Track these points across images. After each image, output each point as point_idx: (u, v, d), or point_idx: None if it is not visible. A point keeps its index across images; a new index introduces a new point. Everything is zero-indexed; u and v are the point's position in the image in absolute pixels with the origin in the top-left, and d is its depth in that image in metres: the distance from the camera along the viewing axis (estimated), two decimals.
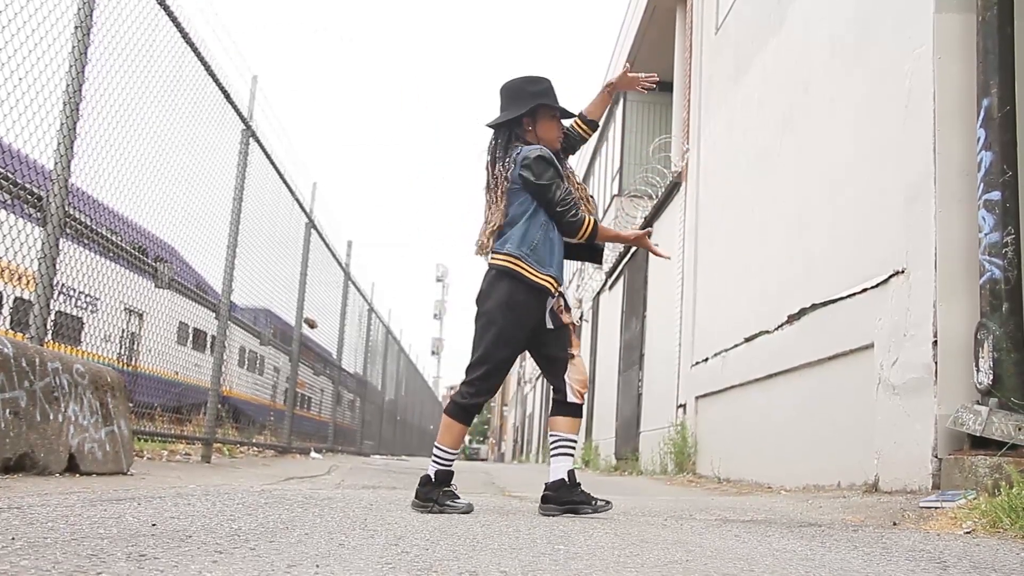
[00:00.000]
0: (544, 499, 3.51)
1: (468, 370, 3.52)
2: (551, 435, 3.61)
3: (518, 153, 3.54)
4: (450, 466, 3.50)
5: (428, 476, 3.46)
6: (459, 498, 3.46)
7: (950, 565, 2.25)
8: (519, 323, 3.47)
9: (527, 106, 3.62)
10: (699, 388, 9.15)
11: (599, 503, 3.49)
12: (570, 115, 3.79)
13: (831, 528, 3.37)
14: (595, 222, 3.51)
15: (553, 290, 3.49)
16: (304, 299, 10.65)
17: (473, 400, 3.48)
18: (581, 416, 3.64)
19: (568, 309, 3.64)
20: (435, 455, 3.50)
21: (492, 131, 3.71)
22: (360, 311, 16.07)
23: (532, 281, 3.44)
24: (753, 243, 7.74)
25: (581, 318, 19.94)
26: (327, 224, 11.77)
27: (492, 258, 3.54)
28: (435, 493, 3.41)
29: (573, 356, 3.60)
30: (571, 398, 3.59)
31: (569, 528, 2.85)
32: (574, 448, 3.60)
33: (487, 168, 3.66)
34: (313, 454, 11.25)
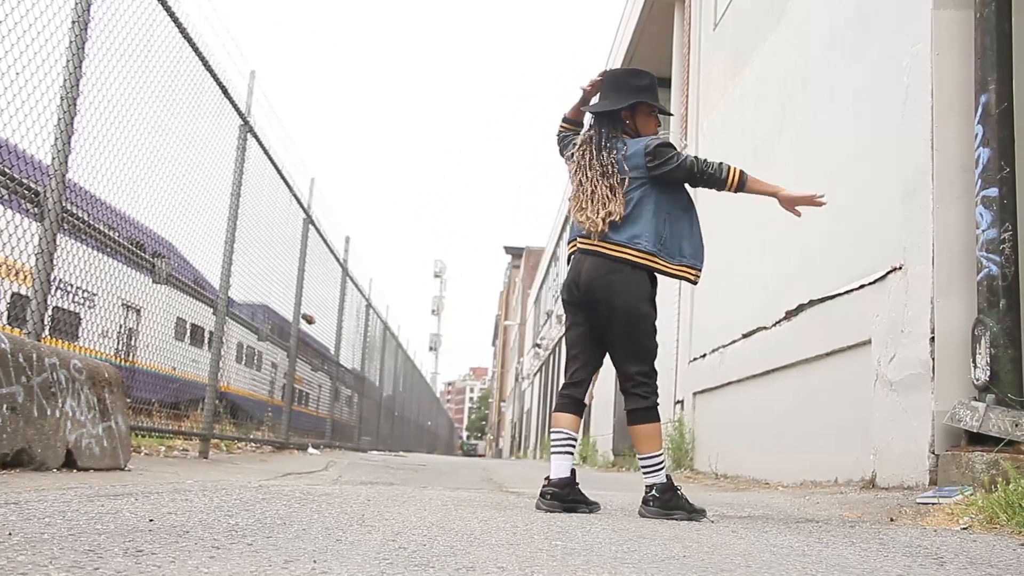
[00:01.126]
0: (549, 495, 3.45)
1: (644, 369, 3.48)
2: (559, 431, 3.59)
3: (643, 145, 3.53)
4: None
5: (664, 484, 3.45)
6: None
7: (947, 561, 2.25)
8: (656, 315, 3.53)
9: (628, 100, 3.63)
10: (697, 384, 9.16)
11: (594, 504, 3.53)
12: (668, 113, 3.84)
13: (828, 524, 3.37)
14: (741, 170, 3.49)
15: (692, 278, 3.52)
16: (302, 295, 10.65)
17: (657, 395, 3.51)
18: (582, 417, 3.66)
19: None
20: (654, 464, 3.46)
21: (593, 117, 3.73)
22: (358, 307, 16.06)
23: (671, 273, 3.48)
24: (751, 239, 7.74)
25: None
26: (325, 219, 11.76)
27: (616, 250, 3.47)
28: (679, 499, 3.46)
29: (604, 363, 3.66)
30: (584, 398, 3.62)
31: (566, 524, 2.85)
32: (576, 446, 3.64)
33: (588, 153, 3.61)
34: (311, 450, 11.25)
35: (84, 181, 4.86)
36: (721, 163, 3.50)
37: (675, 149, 3.53)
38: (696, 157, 3.52)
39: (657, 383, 3.51)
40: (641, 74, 3.73)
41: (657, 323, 3.54)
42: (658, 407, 3.49)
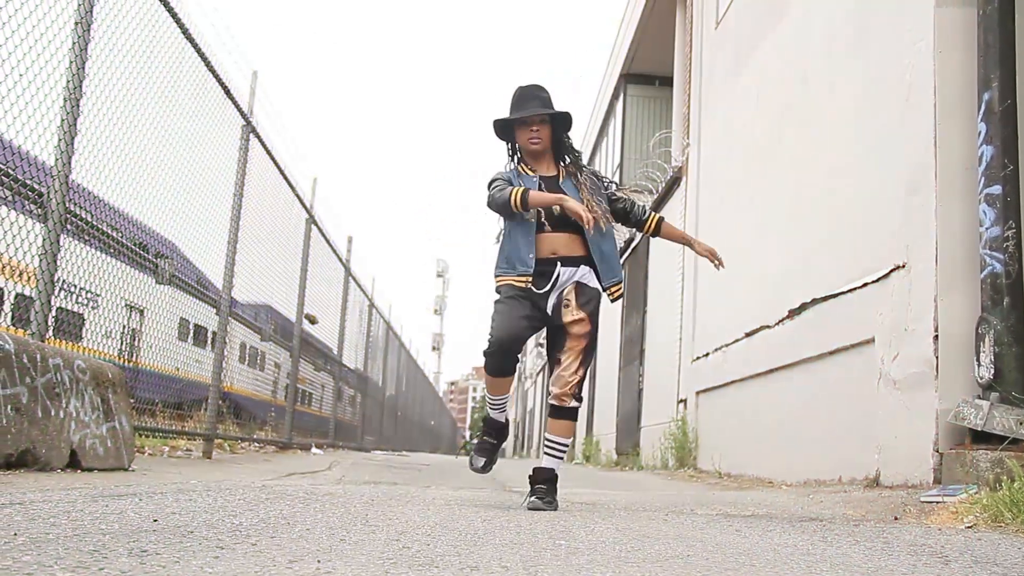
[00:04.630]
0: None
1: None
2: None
3: None
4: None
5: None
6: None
7: (951, 559, 2.25)
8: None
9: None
10: (700, 383, 9.15)
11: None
12: (516, 121, 3.78)
13: (832, 523, 3.37)
14: (523, 190, 3.57)
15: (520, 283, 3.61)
16: (305, 295, 10.65)
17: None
18: (567, 419, 3.67)
19: (577, 307, 3.63)
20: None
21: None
22: (360, 306, 16.06)
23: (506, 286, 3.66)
24: (753, 237, 7.73)
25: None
26: (327, 219, 11.76)
27: None
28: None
29: (559, 361, 3.64)
30: (551, 400, 3.68)
31: (570, 523, 2.85)
32: (556, 450, 3.68)
33: None
34: (314, 450, 11.26)
35: (87, 182, 4.87)
36: (501, 191, 3.61)
37: (492, 181, 3.73)
38: (492, 186, 3.70)
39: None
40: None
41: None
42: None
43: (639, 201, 13.46)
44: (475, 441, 3.89)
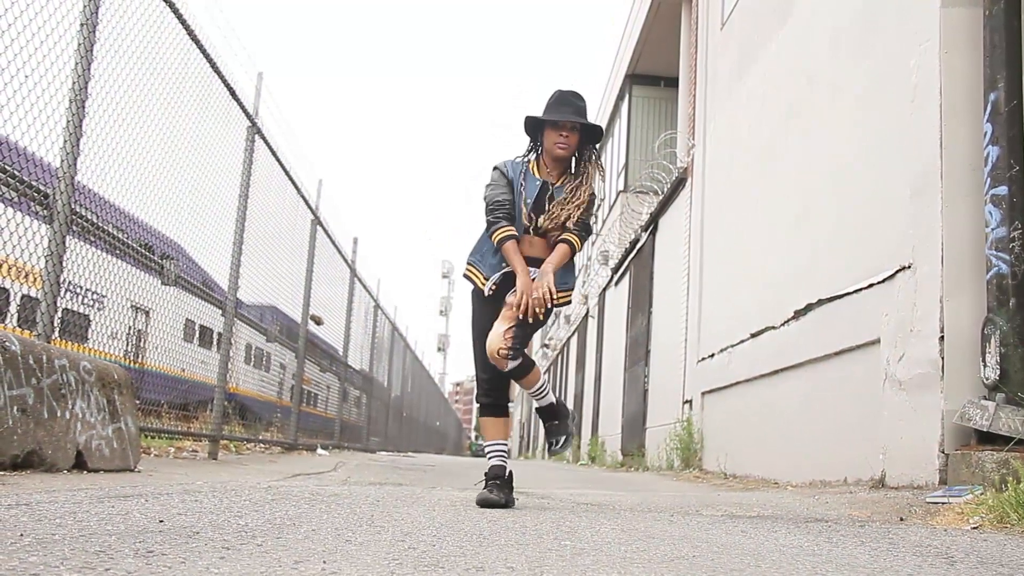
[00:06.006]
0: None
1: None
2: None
3: None
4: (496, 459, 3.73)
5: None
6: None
7: (957, 560, 2.24)
8: (473, 319, 3.79)
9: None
10: (705, 384, 9.15)
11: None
12: (545, 120, 3.74)
13: (837, 523, 3.36)
14: (503, 237, 3.60)
15: (480, 284, 3.71)
16: (310, 296, 10.66)
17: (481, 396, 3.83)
18: (524, 374, 3.70)
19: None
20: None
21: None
22: (366, 308, 16.07)
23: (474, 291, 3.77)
24: (759, 238, 7.72)
25: (587, 314, 20.03)
26: (333, 220, 11.77)
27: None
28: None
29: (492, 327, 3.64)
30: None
31: (575, 524, 2.85)
32: (541, 391, 3.83)
33: None
34: (319, 450, 11.27)
35: (93, 183, 4.88)
36: (497, 219, 3.65)
37: (490, 176, 3.79)
38: (491, 198, 3.71)
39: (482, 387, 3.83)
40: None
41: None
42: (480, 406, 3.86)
43: (646, 201, 13.46)
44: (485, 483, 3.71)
